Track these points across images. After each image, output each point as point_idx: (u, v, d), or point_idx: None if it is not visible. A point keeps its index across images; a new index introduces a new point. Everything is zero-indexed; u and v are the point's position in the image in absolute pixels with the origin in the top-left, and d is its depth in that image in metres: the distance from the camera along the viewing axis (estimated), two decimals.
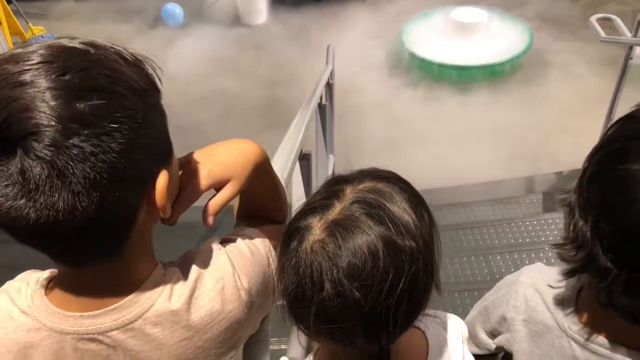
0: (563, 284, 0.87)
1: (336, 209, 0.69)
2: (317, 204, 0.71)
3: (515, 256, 2.57)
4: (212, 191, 0.79)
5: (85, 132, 0.55)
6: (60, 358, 0.68)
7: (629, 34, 2.74)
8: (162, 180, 0.65)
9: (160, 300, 0.69)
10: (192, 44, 5.87)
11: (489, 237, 2.79)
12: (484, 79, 5.15)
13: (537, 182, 3.67)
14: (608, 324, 0.81)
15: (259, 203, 0.91)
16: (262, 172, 0.84)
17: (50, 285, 0.70)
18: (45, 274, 0.72)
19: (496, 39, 5.45)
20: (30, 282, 0.71)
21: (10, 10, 5.43)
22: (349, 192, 0.70)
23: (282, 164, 1.52)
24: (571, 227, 0.78)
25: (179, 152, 0.73)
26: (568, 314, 0.86)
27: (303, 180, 2.09)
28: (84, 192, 0.56)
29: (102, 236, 0.62)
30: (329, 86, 3.06)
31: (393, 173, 0.76)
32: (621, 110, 0.78)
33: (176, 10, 6.30)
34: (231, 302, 0.74)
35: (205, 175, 0.76)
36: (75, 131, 0.55)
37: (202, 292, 0.72)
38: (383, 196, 0.69)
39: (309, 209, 0.71)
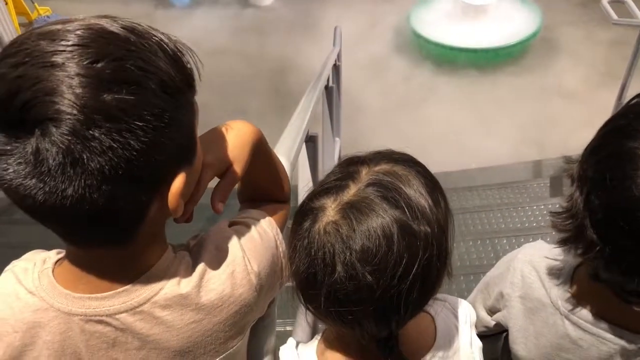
0: (560, 256, 0.87)
1: (351, 191, 0.68)
2: (331, 184, 0.70)
3: (522, 240, 2.55)
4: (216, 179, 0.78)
5: (108, 125, 0.54)
6: (68, 339, 0.68)
7: None
8: (178, 183, 0.63)
9: (170, 284, 0.69)
10: (199, 25, 5.81)
11: (495, 221, 2.78)
12: (492, 62, 5.10)
13: (545, 166, 3.64)
14: (594, 299, 0.82)
15: (260, 183, 0.90)
16: (260, 151, 0.83)
17: (57, 265, 0.70)
18: (52, 254, 0.72)
19: (505, 21, 5.38)
20: (37, 262, 0.70)
21: None
22: (365, 174, 0.69)
23: (289, 146, 1.51)
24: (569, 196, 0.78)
25: None
26: (559, 284, 0.87)
27: (309, 162, 2.09)
28: (96, 184, 0.55)
29: (109, 226, 0.61)
30: (336, 68, 3.03)
31: (409, 156, 0.74)
32: (632, 94, 0.77)
33: None
34: (241, 286, 0.73)
35: (208, 164, 0.74)
36: (97, 123, 0.53)
37: (212, 276, 0.72)
38: (399, 179, 0.68)
39: (323, 189, 0.70)
